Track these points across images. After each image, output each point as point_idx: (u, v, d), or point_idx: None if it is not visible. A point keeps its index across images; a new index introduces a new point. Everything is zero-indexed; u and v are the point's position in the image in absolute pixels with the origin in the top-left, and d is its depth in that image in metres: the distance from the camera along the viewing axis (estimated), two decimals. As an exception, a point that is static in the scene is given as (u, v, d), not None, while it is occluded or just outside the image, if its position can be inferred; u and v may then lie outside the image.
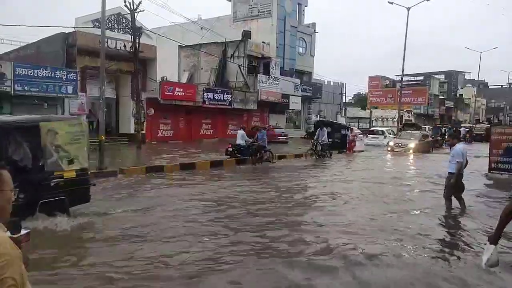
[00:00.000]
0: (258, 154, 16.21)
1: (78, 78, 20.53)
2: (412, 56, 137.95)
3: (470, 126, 44.06)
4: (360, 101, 66.67)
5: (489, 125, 43.81)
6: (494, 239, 3.63)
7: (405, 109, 48.39)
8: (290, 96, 34.63)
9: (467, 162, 8.48)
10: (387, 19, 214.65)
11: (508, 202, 3.67)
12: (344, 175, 14.09)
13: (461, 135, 32.70)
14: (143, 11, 19.18)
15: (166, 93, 24.12)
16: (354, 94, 72.63)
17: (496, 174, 14.24)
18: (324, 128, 19.98)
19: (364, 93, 67.50)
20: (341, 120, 46.18)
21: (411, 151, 22.86)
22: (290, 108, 35.69)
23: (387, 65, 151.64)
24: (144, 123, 21.57)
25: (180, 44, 31.35)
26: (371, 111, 52.00)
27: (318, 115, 40.76)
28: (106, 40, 16.81)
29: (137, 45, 19.41)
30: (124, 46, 21.64)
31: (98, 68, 13.96)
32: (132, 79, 21.98)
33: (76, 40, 20.65)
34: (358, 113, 53.26)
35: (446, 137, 26.28)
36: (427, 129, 34.84)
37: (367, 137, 29.91)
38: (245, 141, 16.69)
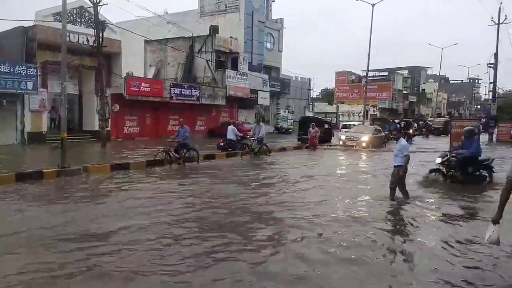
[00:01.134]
0: (179, 153, 13.83)
1: (39, 73, 19.77)
2: (382, 51, 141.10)
3: (426, 120, 44.05)
4: (327, 96, 67.77)
5: (448, 119, 45.32)
6: (495, 219, 4.02)
7: (370, 104, 49.59)
8: (259, 91, 34.73)
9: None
10: (360, 16, 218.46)
11: (505, 184, 4.02)
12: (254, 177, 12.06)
13: (413, 129, 33.23)
14: (106, 4, 18.71)
15: (131, 88, 23.64)
16: (321, 90, 73.78)
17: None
18: (262, 124, 18.41)
19: (331, 88, 68.56)
20: (309, 115, 46.82)
21: (364, 145, 21.66)
22: (258, 103, 35.78)
23: (359, 60, 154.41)
24: (109, 119, 21.11)
25: (146, 39, 30.78)
26: (337, 106, 52.95)
27: (287, 111, 41.08)
28: (68, 34, 16.30)
29: (100, 40, 18.94)
30: (87, 40, 21.01)
31: (60, 63, 13.48)
32: (95, 74, 21.40)
33: (36, 34, 19.86)
34: (325, 108, 54.21)
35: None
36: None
37: (340, 131, 30.36)
38: (236, 136, 17.90)
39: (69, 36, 18.92)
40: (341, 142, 22.53)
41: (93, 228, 6.21)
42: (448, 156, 10.93)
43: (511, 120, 37.89)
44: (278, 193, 9.56)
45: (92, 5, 18.49)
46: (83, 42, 21.16)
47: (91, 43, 20.13)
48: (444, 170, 10.73)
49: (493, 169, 10.87)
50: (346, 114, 53.27)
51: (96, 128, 21.45)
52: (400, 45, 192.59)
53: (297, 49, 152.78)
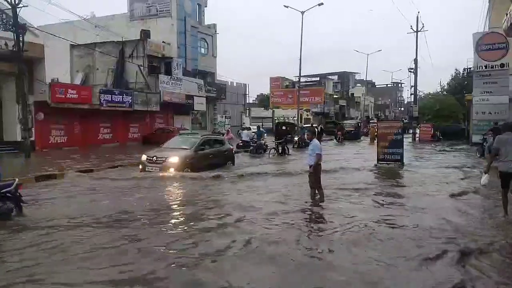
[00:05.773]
0: None
1: (-51, 80, 18.02)
2: (317, 58, 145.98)
3: (340, 123, 39.88)
4: (263, 101, 68.75)
5: (359, 121, 47.58)
6: (486, 171, 6.76)
7: (304, 108, 51.12)
8: (194, 97, 34.31)
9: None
10: (296, 23, 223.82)
11: (491, 153, 6.70)
12: None
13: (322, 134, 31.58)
14: (26, 6, 17.61)
15: (57, 95, 22.27)
16: (257, 95, 74.74)
17: (384, 164, 15.73)
18: None
19: (266, 93, 69.73)
20: (246, 120, 47.20)
21: (172, 170, 12.93)
22: (195, 109, 35.34)
23: (294, 66, 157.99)
24: (33, 129, 19.75)
25: (72, 43, 29.24)
26: (273, 111, 53.90)
27: (224, 116, 41.05)
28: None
29: (20, 44, 17.73)
30: (6, 44, 19.49)
31: (-27, 68, 12.43)
32: (16, 81, 19.92)
33: None
34: (261, 113, 54.89)
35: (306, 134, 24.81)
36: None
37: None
38: (250, 138, 23.10)
39: (-16, 40, 17.48)
40: (140, 166, 13.76)
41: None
42: None
43: (430, 121, 41.02)
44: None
45: (10, 7, 17.25)
46: (1, 46, 19.61)
47: (10, 47, 18.74)
48: None
49: (22, 197, 7.45)
50: (282, 118, 54.41)
51: (19, 138, 19.95)
52: (334, 52, 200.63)
53: (232, 54, 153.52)
